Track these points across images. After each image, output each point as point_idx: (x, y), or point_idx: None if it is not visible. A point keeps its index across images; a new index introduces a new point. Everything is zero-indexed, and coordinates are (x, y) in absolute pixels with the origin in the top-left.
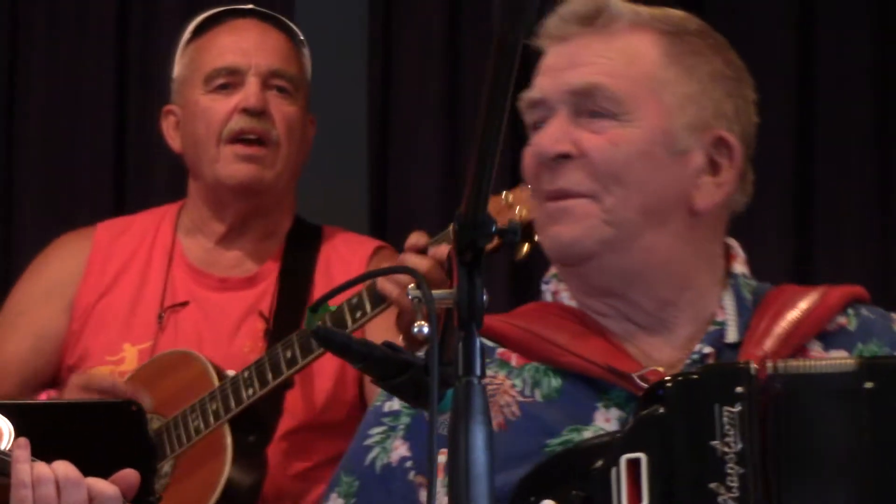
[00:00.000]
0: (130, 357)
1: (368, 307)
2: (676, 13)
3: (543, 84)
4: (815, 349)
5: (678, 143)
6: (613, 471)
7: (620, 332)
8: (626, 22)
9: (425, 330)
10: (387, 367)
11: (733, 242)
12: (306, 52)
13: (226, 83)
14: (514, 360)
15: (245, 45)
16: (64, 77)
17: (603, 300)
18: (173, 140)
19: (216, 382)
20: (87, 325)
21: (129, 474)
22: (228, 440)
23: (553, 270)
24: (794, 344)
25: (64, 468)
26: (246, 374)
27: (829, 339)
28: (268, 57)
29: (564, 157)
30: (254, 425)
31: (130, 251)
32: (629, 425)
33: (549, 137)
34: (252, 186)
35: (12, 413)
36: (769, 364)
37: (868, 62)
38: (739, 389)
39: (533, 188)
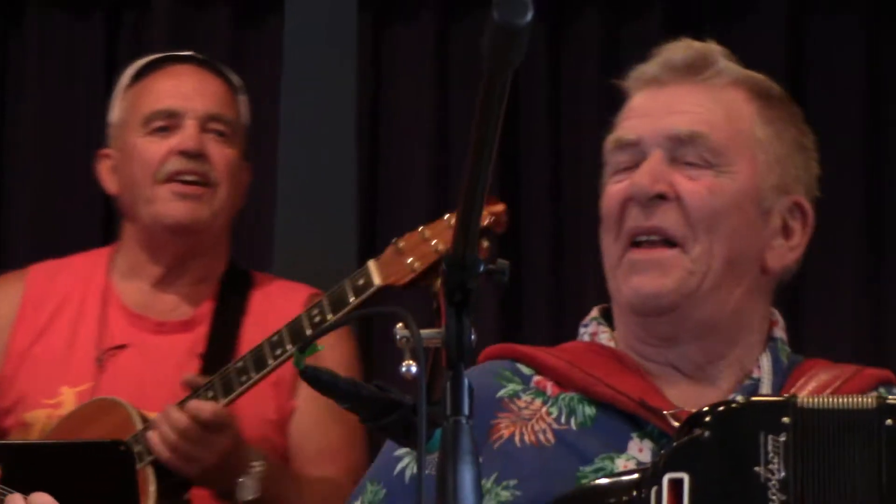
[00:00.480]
0: (69, 400)
1: (289, 345)
2: (761, 76)
3: (637, 126)
4: None
5: (764, 202)
6: (654, 491)
7: (661, 376)
8: (728, 78)
9: (413, 370)
10: (374, 407)
11: (775, 312)
12: (244, 98)
13: (164, 126)
14: (550, 388)
15: (184, 90)
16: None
17: (659, 349)
18: (109, 183)
19: (139, 426)
20: (21, 369)
21: None
22: (152, 483)
23: (593, 314)
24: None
25: (40, 500)
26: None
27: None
28: (206, 101)
29: (660, 197)
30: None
31: (64, 293)
32: (672, 446)
33: (648, 176)
34: (189, 225)
35: (1, 452)
36: (800, 398)
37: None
38: (785, 420)
39: (613, 228)
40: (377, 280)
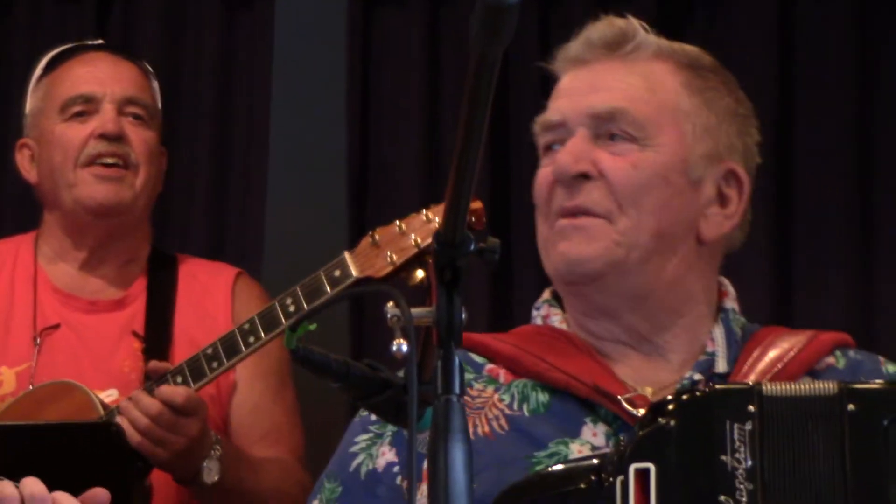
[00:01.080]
0: (8, 379)
1: (262, 333)
2: (691, 48)
3: (563, 106)
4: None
5: (694, 172)
6: (617, 482)
7: (613, 354)
8: (649, 52)
9: (404, 348)
10: (365, 386)
11: (725, 280)
12: (156, 85)
13: (81, 111)
14: (503, 376)
15: (100, 75)
16: None
17: (600, 321)
18: (28, 172)
19: (101, 411)
20: None
21: (99, 492)
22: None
23: (545, 296)
24: (785, 379)
25: (31, 485)
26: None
27: (819, 376)
28: (122, 84)
29: (583, 176)
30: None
31: None
32: (637, 436)
33: (570, 156)
34: (112, 207)
35: None
36: (765, 386)
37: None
38: (751, 408)
39: (543, 209)
40: (355, 272)
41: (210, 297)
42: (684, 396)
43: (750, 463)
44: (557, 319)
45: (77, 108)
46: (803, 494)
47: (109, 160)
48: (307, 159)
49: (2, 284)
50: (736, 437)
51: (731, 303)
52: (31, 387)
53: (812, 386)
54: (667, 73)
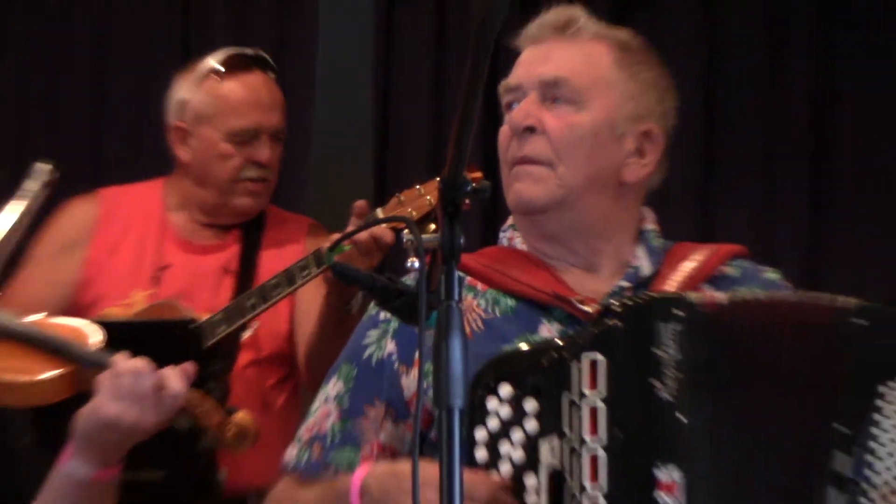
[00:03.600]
0: (139, 300)
1: (314, 269)
2: (624, 32)
3: (519, 74)
4: (706, 289)
5: (617, 129)
6: (573, 366)
7: (560, 269)
8: (589, 33)
9: (416, 265)
10: (386, 293)
11: (647, 211)
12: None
13: (243, 140)
14: (479, 286)
15: (262, 106)
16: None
17: (549, 244)
18: (178, 150)
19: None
20: (100, 274)
21: (187, 366)
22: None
23: (509, 222)
24: (692, 285)
25: (143, 360)
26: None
27: (717, 282)
28: (277, 116)
29: (531, 130)
30: (220, 357)
31: (128, 218)
32: (590, 332)
33: (521, 113)
34: (252, 213)
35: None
36: (690, 295)
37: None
38: (679, 312)
39: (503, 157)
40: (378, 213)
41: (288, 242)
42: (627, 302)
43: (679, 356)
44: (518, 241)
45: (241, 138)
46: (715, 378)
47: (256, 178)
48: (342, 135)
49: (137, 226)
50: (667, 335)
51: (650, 225)
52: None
53: (726, 294)
54: (602, 51)
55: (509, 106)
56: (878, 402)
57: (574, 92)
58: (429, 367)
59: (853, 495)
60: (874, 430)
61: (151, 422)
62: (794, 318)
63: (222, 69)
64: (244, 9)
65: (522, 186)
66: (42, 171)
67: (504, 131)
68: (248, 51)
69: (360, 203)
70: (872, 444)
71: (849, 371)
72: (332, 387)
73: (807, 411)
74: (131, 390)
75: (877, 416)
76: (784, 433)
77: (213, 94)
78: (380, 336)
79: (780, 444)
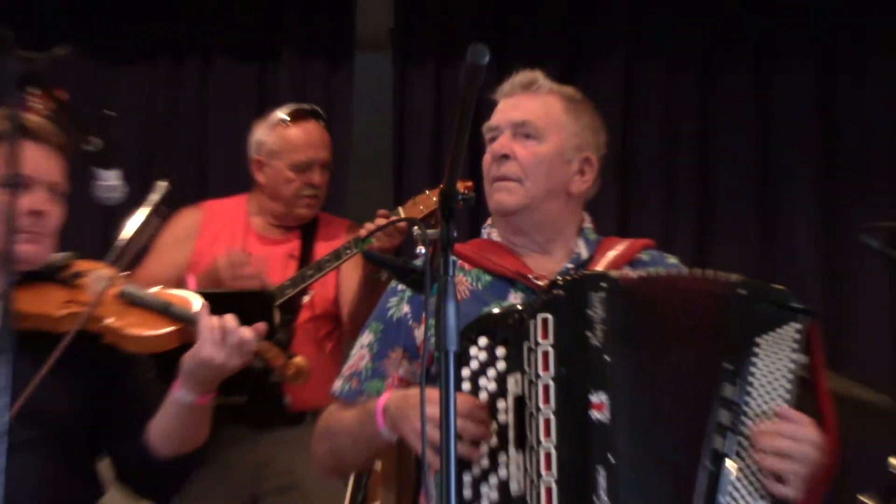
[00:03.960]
0: None
1: (353, 249)
2: (569, 88)
3: (497, 118)
4: (625, 269)
5: (566, 156)
6: (531, 323)
7: (524, 255)
8: (545, 90)
9: (422, 251)
10: (403, 272)
11: (586, 214)
12: None
13: (302, 169)
14: (467, 266)
15: (314, 144)
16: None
17: (517, 237)
18: (257, 174)
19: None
20: (203, 260)
21: (261, 325)
22: (278, 316)
23: (489, 221)
24: (616, 266)
25: (230, 319)
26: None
27: (634, 264)
28: (326, 152)
29: (506, 157)
30: (286, 313)
31: (222, 221)
32: (542, 298)
33: (499, 145)
34: (308, 218)
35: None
36: (612, 272)
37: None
38: (604, 284)
39: (486, 175)
40: (403, 215)
41: (334, 236)
42: (568, 278)
43: (603, 315)
44: (495, 235)
45: (300, 168)
46: (630, 330)
47: (311, 195)
48: (370, 164)
49: (228, 227)
50: (596, 301)
51: (587, 224)
52: None
53: (636, 271)
54: (554, 102)
55: (491, 140)
56: (755, 349)
57: (536, 130)
58: (432, 322)
59: (736, 415)
60: (752, 369)
61: (235, 363)
62: (692, 288)
63: (288, 119)
64: (303, 74)
65: (500, 196)
66: (161, 187)
67: (487, 157)
68: (306, 106)
69: (382, 211)
70: (751, 379)
71: (734, 327)
72: (366, 337)
73: (703, 354)
74: (221, 340)
75: (754, 360)
76: (686, 369)
77: (281, 136)
78: (398, 301)
79: (683, 377)
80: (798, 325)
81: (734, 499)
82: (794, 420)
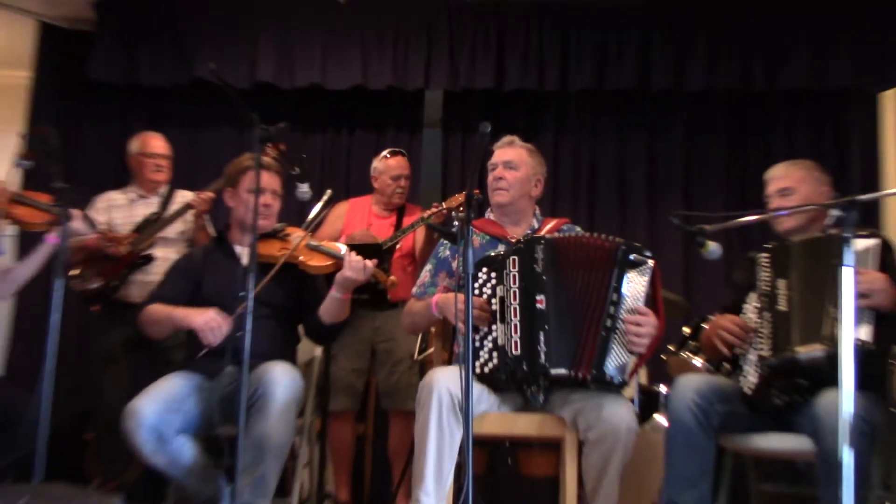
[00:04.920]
0: (361, 234)
1: (421, 222)
2: (529, 144)
3: (496, 159)
4: (554, 234)
5: (530, 178)
6: (508, 260)
7: (506, 226)
8: (519, 144)
9: (456, 224)
10: (448, 234)
11: (537, 207)
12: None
13: (395, 179)
14: (477, 231)
15: (401, 167)
16: None
17: (504, 217)
18: (375, 183)
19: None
20: (348, 227)
21: (374, 262)
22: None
23: (488, 210)
24: (549, 233)
25: (358, 256)
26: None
27: (560, 232)
28: (406, 171)
29: (501, 178)
30: (388, 253)
31: (358, 207)
32: (514, 248)
33: (499, 172)
34: (400, 204)
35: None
36: (548, 236)
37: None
38: (542, 241)
39: (490, 186)
40: (444, 206)
41: (412, 214)
42: (524, 238)
43: (542, 256)
44: (492, 216)
45: (394, 179)
46: (554, 263)
47: (401, 192)
48: (428, 180)
49: (361, 209)
50: (540, 254)
51: (538, 211)
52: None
53: (554, 236)
54: (524, 150)
55: (492, 168)
56: (628, 276)
57: (515, 165)
58: (461, 259)
59: (617, 308)
60: (626, 285)
61: (361, 279)
62: (590, 243)
63: (388, 154)
64: (399, 139)
65: (498, 196)
66: (327, 193)
67: (490, 178)
68: (397, 149)
69: (436, 203)
70: (624, 291)
71: (616, 265)
72: (427, 266)
73: (601, 276)
74: (356, 268)
75: (627, 282)
76: (589, 283)
77: (384, 163)
78: (443, 249)
79: (588, 287)
80: (650, 265)
81: (614, 350)
82: (645, 313)
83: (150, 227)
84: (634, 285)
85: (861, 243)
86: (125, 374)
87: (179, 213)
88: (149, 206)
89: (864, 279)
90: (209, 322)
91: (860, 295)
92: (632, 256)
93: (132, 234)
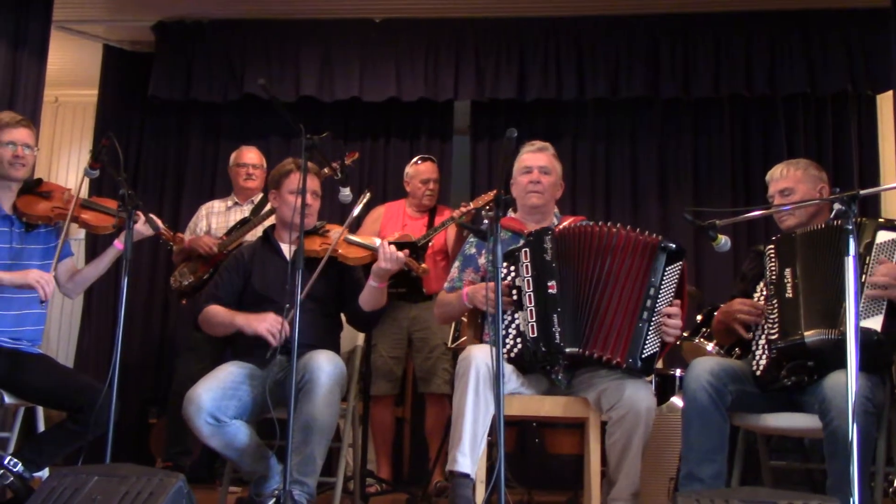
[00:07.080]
0: (398, 235)
1: (451, 221)
2: (552, 150)
3: (530, 162)
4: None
5: (558, 181)
6: (521, 252)
7: (530, 224)
8: (548, 150)
9: (486, 221)
10: (478, 232)
11: (556, 206)
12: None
13: (425, 183)
14: (504, 228)
15: (431, 172)
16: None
17: (531, 216)
18: (407, 187)
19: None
20: (385, 229)
21: (406, 251)
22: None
23: (511, 209)
24: (562, 232)
25: (393, 248)
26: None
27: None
28: (435, 175)
29: (538, 181)
30: (423, 248)
31: (394, 210)
32: (524, 242)
33: (535, 175)
34: (430, 206)
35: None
36: (557, 229)
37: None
38: (549, 233)
39: (522, 189)
40: (472, 205)
41: (443, 214)
42: (535, 231)
43: (551, 246)
44: (517, 215)
45: (424, 182)
46: (563, 253)
47: (431, 195)
48: (457, 184)
49: (397, 212)
50: (549, 244)
51: (556, 210)
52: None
53: (582, 225)
54: (552, 156)
55: (526, 171)
56: (664, 270)
57: (549, 170)
58: (488, 255)
59: (654, 301)
60: (661, 280)
61: (395, 268)
62: (597, 232)
63: (418, 161)
64: (431, 146)
65: (533, 198)
66: (366, 195)
67: (523, 180)
68: (427, 155)
69: (464, 202)
70: (661, 285)
71: (655, 259)
72: (456, 263)
73: (634, 266)
74: (390, 258)
75: (662, 275)
76: (623, 272)
77: (415, 169)
78: (470, 246)
79: (619, 276)
80: (681, 263)
81: (649, 340)
82: (678, 305)
83: (238, 230)
84: (670, 278)
85: (887, 235)
86: (200, 363)
87: (264, 217)
88: (243, 213)
89: (885, 270)
90: (270, 329)
91: (880, 286)
92: (671, 251)
93: (222, 236)
